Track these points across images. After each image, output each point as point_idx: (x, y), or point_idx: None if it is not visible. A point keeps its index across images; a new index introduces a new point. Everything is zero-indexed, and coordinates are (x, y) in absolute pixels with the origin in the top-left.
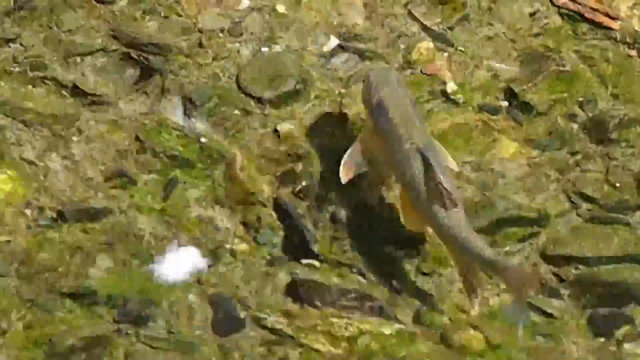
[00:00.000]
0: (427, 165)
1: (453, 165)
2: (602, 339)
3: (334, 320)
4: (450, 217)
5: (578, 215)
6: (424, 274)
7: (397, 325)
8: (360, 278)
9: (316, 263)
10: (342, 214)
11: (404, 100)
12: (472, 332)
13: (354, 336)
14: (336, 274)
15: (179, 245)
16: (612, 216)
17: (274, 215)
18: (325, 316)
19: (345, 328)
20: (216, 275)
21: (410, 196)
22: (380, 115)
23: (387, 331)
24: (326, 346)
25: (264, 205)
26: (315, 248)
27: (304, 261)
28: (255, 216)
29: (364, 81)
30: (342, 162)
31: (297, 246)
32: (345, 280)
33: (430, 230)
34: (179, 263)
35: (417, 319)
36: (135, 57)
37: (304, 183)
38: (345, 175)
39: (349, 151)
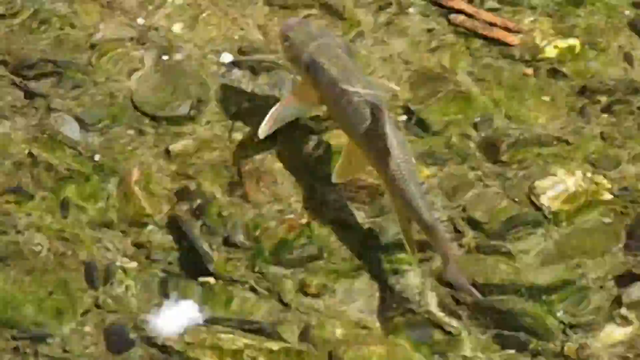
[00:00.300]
0: (377, 120)
1: (395, 87)
2: (513, 351)
3: (222, 336)
4: (398, 170)
5: (465, 243)
6: (312, 294)
7: (282, 344)
8: (252, 294)
9: (211, 280)
10: (236, 236)
11: (333, 49)
12: (367, 349)
13: (240, 350)
14: (228, 291)
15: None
16: (494, 244)
17: (168, 234)
18: (213, 332)
19: (233, 342)
20: (110, 295)
21: (359, 147)
22: (316, 70)
23: (274, 347)
24: None
25: (158, 225)
26: (211, 267)
27: (200, 279)
28: (147, 236)
29: (284, 38)
30: (269, 115)
31: (193, 264)
32: (236, 297)
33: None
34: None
35: (304, 336)
36: (18, 83)
37: (199, 201)
38: (266, 129)
39: (277, 106)
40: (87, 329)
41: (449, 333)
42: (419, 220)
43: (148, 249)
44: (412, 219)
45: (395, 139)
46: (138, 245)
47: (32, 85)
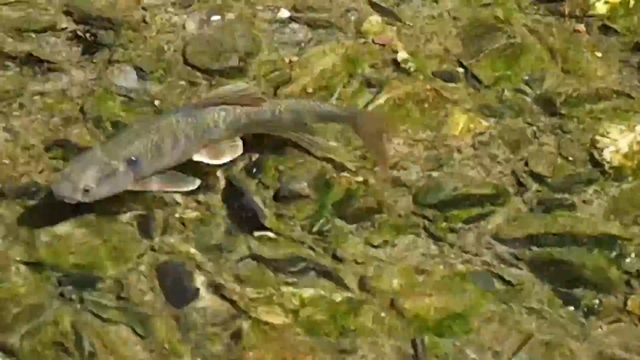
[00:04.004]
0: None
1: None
2: (571, 308)
3: (284, 289)
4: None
5: (527, 195)
6: (374, 245)
7: (345, 293)
8: (309, 251)
9: (269, 234)
10: (291, 190)
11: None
12: (426, 300)
13: (302, 305)
14: (286, 245)
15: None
16: (558, 197)
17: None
18: (277, 286)
19: (295, 297)
20: (168, 244)
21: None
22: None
23: (336, 299)
24: (277, 317)
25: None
26: (266, 222)
27: (257, 233)
28: (205, 190)
29: (85, 195)
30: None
31: (248, 220)
32: (295, 251)
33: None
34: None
35: (363, 285)
36: (83, 33)
37: (252, 159)
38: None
39: (168, 189)
40: (142, 273)
41: (509, 283)
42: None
43: (206, 203)
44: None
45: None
46: (196, 199)
47: (94, 37)
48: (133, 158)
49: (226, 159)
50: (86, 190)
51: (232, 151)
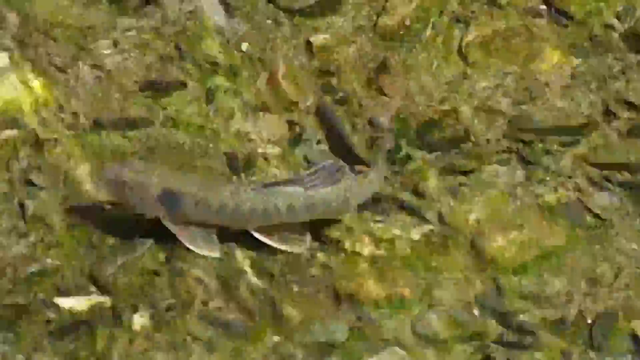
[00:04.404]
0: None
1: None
2: None
3: (371, 223)
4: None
5: (618, 123)
6: (462, 172)
7: (426, 227)
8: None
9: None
10: (379, 120)
11: (177, 174)
12: (512, 234)
13: (388, 240)
14: None
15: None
16: None
17: (315, 122)
18: (360, 221)
19: (381, 231)
20: None
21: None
22: (173, 201)
23: (416, 236)
24: (365, 249)
25: (304, 115)
26: (356, 152)
27: None
28: (296, 124)
29: (118, 189)
30: (198, 250)
31: (339, 150)
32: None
33: None
34: None
35: (442, 219)
36: None
37: (341, 94)
38: (210, 252)
39: (186, 243)
40: None
41: (598, 216)
42: None
43: (293, 136)
44: None
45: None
46: (283, 133)
47: None
48: (172, 192)
49: (289, 248)
50: (118, 184)
51: (297, 245)
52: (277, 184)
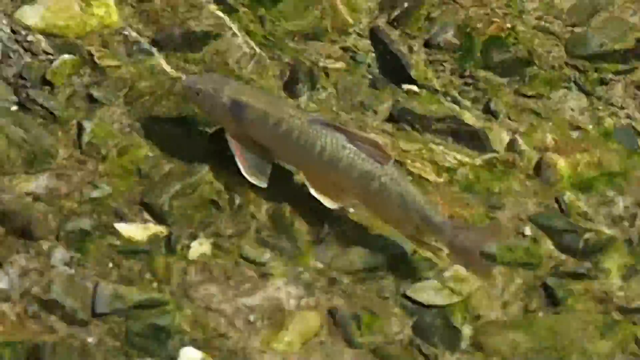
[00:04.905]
0: (340, 133)
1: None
2: None
3: (434, 147)
4: (386, 175)
5: None
6: (527, 96)
7: (490, 154)
8: (455, 106)
9: (415, 88)
10: (444, 36)
11: (247, 88)
12: (579, 155)
13: (452, 167)
14: (433, 100)
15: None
16: None
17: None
18: (425, 142)
19: (444, 157)
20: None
21: (322, 174)
22: (242, 112)
23: (479, 162)
24: (429, 174)
25: (360, 35)
26: (412, 73)
27: (405, 86)
28: (352, 44)
29: (194, 96)
30: (247, 175)
31: (394, 70)
32: (441, 107)
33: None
34: None
35: (511, 146)
36: None
37: (398, 11)
38: (253, 179)
39: (239, 164)
40: None
41: None
42: (424, 223)
43: (351, 54)
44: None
45: (361, 153)
46: (343, 50)
47: None
48: (239, 103)
49: (334, 206)
50: (197, 93)
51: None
52: (334, 127)
